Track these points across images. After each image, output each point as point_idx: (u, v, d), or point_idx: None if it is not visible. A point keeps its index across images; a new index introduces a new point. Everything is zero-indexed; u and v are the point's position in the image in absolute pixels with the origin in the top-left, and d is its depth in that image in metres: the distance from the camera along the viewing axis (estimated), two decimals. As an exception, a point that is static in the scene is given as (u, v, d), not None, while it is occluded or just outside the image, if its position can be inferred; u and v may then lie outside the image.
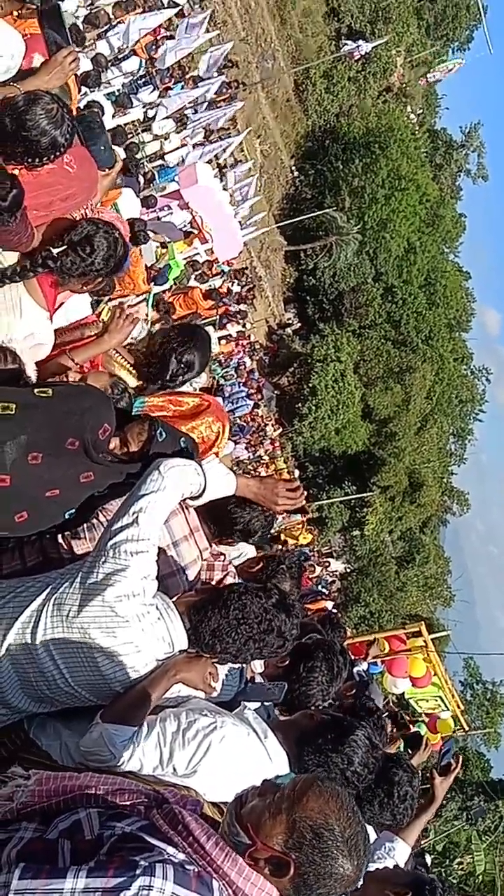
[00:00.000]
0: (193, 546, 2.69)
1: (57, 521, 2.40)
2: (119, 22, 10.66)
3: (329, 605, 14.86)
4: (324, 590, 20.97)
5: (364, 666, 7.25)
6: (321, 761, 2.45)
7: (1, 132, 2.49)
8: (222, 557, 2.79)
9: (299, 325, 30.14)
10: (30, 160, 2.58)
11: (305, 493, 3.04)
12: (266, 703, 2.59)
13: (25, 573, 2.53)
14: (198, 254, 13.62)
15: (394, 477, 30.00)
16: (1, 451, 2.13)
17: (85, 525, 2.58)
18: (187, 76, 13.33)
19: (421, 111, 35.70)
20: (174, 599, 2.34)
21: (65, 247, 2.85)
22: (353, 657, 5.82)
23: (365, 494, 29.62)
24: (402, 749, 5.95)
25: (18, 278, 2.84)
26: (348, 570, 32.29)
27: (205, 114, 13.53)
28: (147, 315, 8.72)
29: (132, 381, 3.25)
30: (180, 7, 13.67)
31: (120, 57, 11.01)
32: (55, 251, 2.84)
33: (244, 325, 19.94)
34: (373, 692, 5.43)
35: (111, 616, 2.11)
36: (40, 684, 2.19)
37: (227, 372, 18.67)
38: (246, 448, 19.80)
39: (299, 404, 27.17)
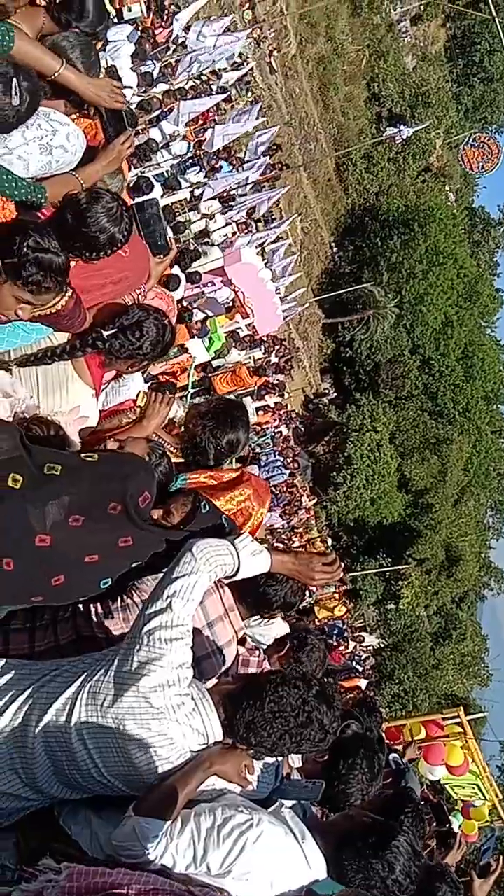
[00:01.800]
0: (229, 626, 2.67)
1: (92, 590, 2.38)
2: (170, 109, 11.23)
3: (363, 683, 14.45)
4: (358, 666, 20.42)
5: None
6: (361, 867, 2.34)
7: (62, 227, 2.61)
8: (257, 652, 2.75)
9: (336, 394, 30.33)
10: (87, 254, 2.70)
11: (342, 565, 2.99)
12: (302, 801, 2.51)
13: (59, 650, 2.53)
14: (239, 327, 13.92)
15: (430, 550, 29.52)
16: (43, 511, 2.14)
17: (119, 604, 2.58)
18: (233, 157, 13.89)
19: (459, 190, 36.52)
20: (210, 687, 2.31)
21: (115, 330, 2.95)
22: (388, 742, 5.63)
23: (400, 567, 29.14)
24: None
25: (67, 356, 2.95)
26: (382, 646, 31.49)
27: (250, 197, 14.03)
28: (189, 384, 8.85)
29: (174, 458, 3.28)
30: (228, 93, 14.35)
31: (170, 140, 11.57)
32: (105, 333, 2.95)
33: (282, 396, 20.14)
34: (410, 780, 5.22)
35: (146, 707, 2.08)
36: (73, 772, 2.16)
37: (263, 441, 18.77)
38: (280, 516, 19.70)
39: (334, 473, 27.10)
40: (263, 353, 16.16)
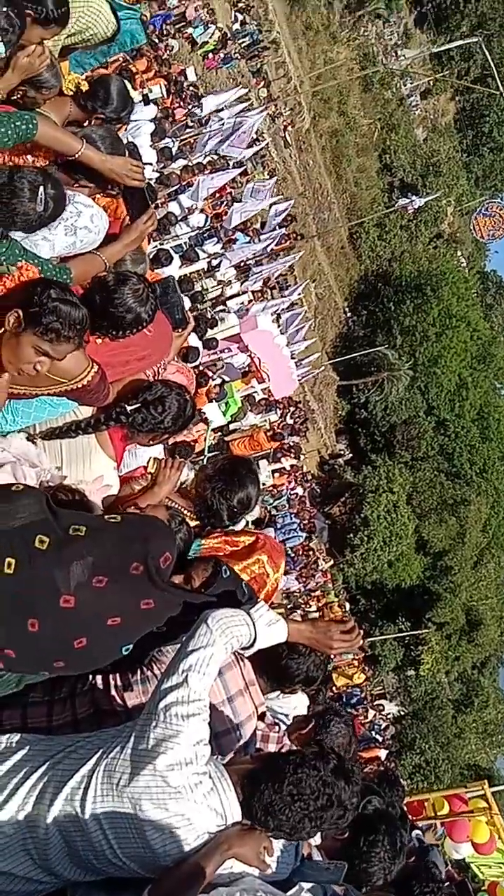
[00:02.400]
0: (249, 701, 2.62)
1: (113, 655, 2.34)
2: (188, 183, 11.65)
3: (383, 753, 14.04)
4: (377, 736, 19.85)
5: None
6: None
7: (91, 307, 2.69)
8: (277, 728, 2.71)
9: (351, 455, 30.36)
10: (114, 332, 2.82)
11: (361, 632, 2.94)
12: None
13: (76, 724, 2.50)
14: (255, 391, 14.09)
15: (450, 613, 28.97)
16: (68, 571, 2.14)
17: (139, 676, 2.56)
18: (250, 228, 14.32)
19: (471, 255, 37.20)
20: (228, 764, 2.27)
21: (138, 404, 3.02)
22: (411, 817, 5.44)
23: (420, 631, 28.59)
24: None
25: (91, 430, 3.02)
26: (402, 714, 30.65)
27: (266, 267, 14.41)
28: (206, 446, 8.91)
29: (191, 522, 3.30)
30: (244, 167, 14.87)
31: (188, 213, 11.96)
32: (129, 408, 3.02)
33: (298, 458, 20.20)
34: (433, 857, 5.03)
35: (162, 787, 2.03)
36: (87, 853, 2.11)
37: (279, 503, 18.74)
38: (297, 580, 19.50)
39: (351, 534, 26.89)
40: (279, 417, 16.31)
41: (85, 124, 3.76)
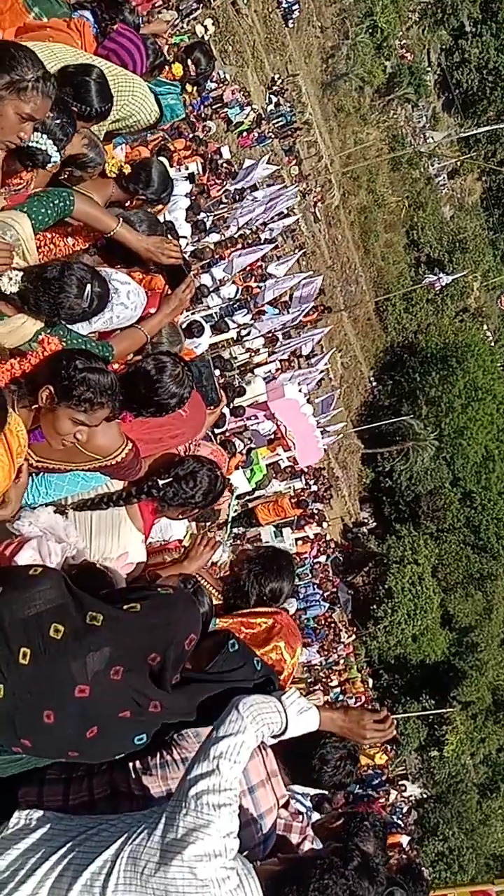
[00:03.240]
0: (270, 793, 2.53)
1: (126, 747, 2.31)
2: (220, 257, 11.99)
3: (405, 839, 13.42)
4: (399, 821, 19.01)
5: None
6: None
7: (135, 396, 2.84)
8: (300, 817, 2.60)
9: (375, 524, 30.08)
10: (158, 414, 2.93)
11: (395, 721, 2.83)
12: None
13: (92, 805, 2.43)
14: (280, 459, 14.14)
15: (476, 692, 28.09)
16: (85, 662, 2.12)
17: (159, 760, 2.47)
18: (279, 301, 14.65)
19: (497, 329, 37.50)
20: (254, 864, 2.17)
21: (170, 479, 3.05)
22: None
23: (444, 710, 27.69)
24: None
25: (123, 503, 3.05)
26: (425, 797, 29.43)
27: (294, 340, 14.68)
28: (228, 518, 8.89)
29: (215, 601, 3.26)
30: (275, 243, 15.30)
31: (220, 285, 12.29)
32: (160, 482, 3.05)
33: (321, 525, 20.07)
34: None
35: (189, 879, 1.95)
36: (104, 944, 2.02)
37: (302, 572, 18.53)
38: (318, 652, 19.09)
39: (374, 606, 26.42)
40: (304, 485, 16.31)
41: (126, 205, 3.90)
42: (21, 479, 2.55)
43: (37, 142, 2.74)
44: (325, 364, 18.68)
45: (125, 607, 2.25)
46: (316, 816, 2.96)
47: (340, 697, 20.75)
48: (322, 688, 17.24)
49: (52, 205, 2.76)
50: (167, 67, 5.23)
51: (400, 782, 24.96)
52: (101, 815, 2.24)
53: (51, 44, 3.63)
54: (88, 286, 2.62)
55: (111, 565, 2.93)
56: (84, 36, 4.12)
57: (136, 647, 2.20)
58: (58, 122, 2.84)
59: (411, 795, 27.31)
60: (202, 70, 5.83)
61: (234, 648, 2.49)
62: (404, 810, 23.52)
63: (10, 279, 2.55)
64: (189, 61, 5.48)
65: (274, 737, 2.36)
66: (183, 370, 2.90)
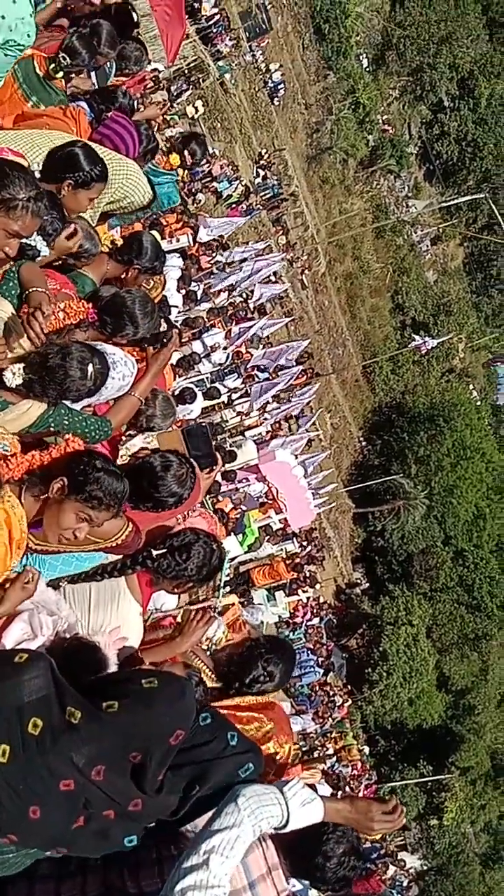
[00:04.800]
0: (271, 887, 2.41)
1: (114, 846, 2.23)
2: (212, 324, 12.24)
3: (406, 917, 12.90)
4: (399, 896, 18.30)
5: None
6: None
7: (138, 489, 2.89)
8: (297, 900, 2.52)
9: (368, 585, 29.81)
10: (157, 510, 3.01)
11: (404, 810, 2.75)
12: None
13: (85, 904, 2.35)
14: (272, 521, 14.12)
15: (474, 757, 27.42)
16: (66, 758, 2.09)
17: (154, 856, 2.38)
18: (270, 368, 14.89)
19: (483, 388, 38.04)
20: None
21: (164, 550, 3.06)
22: None
23: (442, 777, 26.94)
24: None
25: (118, 573, 3.05)
26: (425, 868, 28.37)
27: (284, 406, 14.89)
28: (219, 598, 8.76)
29: (209, 682, 3.21)
30: (266, 313, 15.62)
31: (211, 351, 12.50)
32: (155, 553, 3.06)
33: (314, 587, 19.88)
34: None
35: None
36: None
37: (296, 637, 18.27)
38: (313, 719, 18.66)
39: (369, 670, 25.94)
40: (297, 547, 16.26)
41: (123, 277, 4.02)
42: (28, 587, 2.56)
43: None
44: (315, 424, 18.84)
45: (104, 705, 2.17)
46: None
47: (336, 766, 20.21)
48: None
49: (11, 275, 2.84)
50: (165, 157, 5.48)
51: (399, 854, 24.12)
52: None
53: (47, 131, 3.81)
54: (90, 365, 2.70)
55: (102, 641, 2.89)
56: (79, 123, 4.32)
57: (115, 747, 2.14)
58: (47, 218, 2.97)
59: (411, 867, 26.34)
60: (197, 160, 6.07)
61: (206, 722, 2.36)
62: (404, 884, 22.65)
63: (14, 373, 2.62)
64: (186, 152, 5.72)
65: (275, 830, 2.28)
66: (187, 471, 2.98)
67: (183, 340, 11.48)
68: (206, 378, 12.43)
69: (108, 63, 4.89)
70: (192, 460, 3.08)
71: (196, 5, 18.30)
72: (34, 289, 2.78)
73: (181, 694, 2.26)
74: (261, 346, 13.25)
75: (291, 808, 2.21)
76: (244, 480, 12.87)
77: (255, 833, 2.13)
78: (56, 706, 2.11)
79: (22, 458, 2.58)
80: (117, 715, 2.15)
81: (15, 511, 2.44)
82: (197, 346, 12.14)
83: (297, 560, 16.16)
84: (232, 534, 11.07)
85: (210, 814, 2.19)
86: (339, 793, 17.73)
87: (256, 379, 14.09)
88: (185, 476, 2.96)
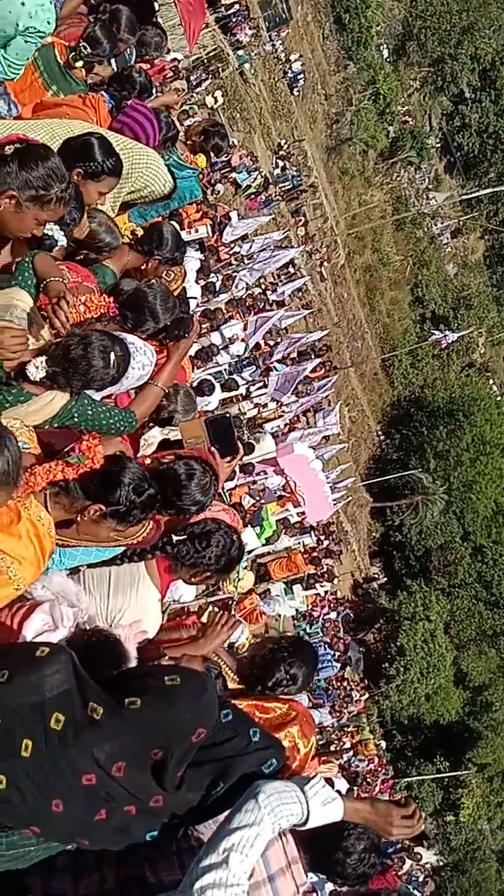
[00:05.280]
0: (290, 881, 2.40)
1: (136, 839, 2.23)
2: (230, 316, 12.19)
3: (423, 913, 12.86)
4: (416, 892, 18.25)
5: None
6: None
7: (163, 497, 2.83)
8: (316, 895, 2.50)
9: (385, 579, 29.72)
10: (176, 516, 2.99)
11: (423, 815, 2.71)
12: None
13: (103, 896, 2.34)
14: (290, 514, 14.08)
15: (492, 754, 27.28)
16: (88, 753, 2.08)
17: (174, 847, 2.38)
18: (287, 357, 14.84)
19: (503, 383, 37.70)
20: None
21: (184, 536, 3.04)
22: None
23: (459, 773, 26.83)
24: None
25: (137, 559, 3.05)
26: (441, 864, 28.31)
27: (302, 400, 14.84)
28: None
29: (231, 684, 3.19)
30: (286, 306, 15.56)
31: (229, 343, 12.47)
32: (175, 538, 3.04)
33: (332, 582, 19.84)
34: None
35: None
36: None
37: (314, 631, 18.25)
38: (330, 713, 18.65)
39: (386, 664, 25.88)
40: (314, 541, 16.22)
41: (143, 268, 3.98)
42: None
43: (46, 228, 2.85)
44: (335, 422, 18.78)
45: (126, 701, 2.16)
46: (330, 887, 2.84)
47: (353, 760, 20.19)
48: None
49: (26, 266, 2.83)
50: (191, 157, 5.45)
51: (415, 849, 24.06)
52: None
53: (67, 120, 3.77)
54: (112, 353, 2.68)
55: (123, 634, 2.87)
56: (99, 112, 4.28)
57: (137, 745, 2.13)
58: (71, 206, 2.95)
59: (427, 863, 26.29)
60: (221, 156, 6.03)
61: (227, 718, 2.35)
62: (420, 879, 22.62)
63: (37, 367, 2.60)
64: (210, 151, 5.72)
65: (295, 827, 2.26)
66: (211, 479, 2.95)
67: (201, 332, 11.46)
68: (224, 370, 12.41)
69: (129, 49, 4.84)
70: (215, 470, 3.05)
71: (216, -6, 18.23)
72: (53, 278, 2.76)
73: (203, 691, 2.26)
74: (280, 339, 13.20)
75: (312, 807, 2.19)
76: (262, 473, 12.84)
77: (274, 831, 2.11)
78: (78, 701, 2.09)
79: (44, 470, 2.49)
80: (139, 712, 2.14)
81: (42, 522, 2.40)
82: (215, 338, 12.11)
83: (315, 554, 16.13)
84: (249, 526, 11.05)
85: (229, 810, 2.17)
86: (356, 789, 17.73)
87: (275, 371, 14.04)
88: (209, 485, 2.94)
